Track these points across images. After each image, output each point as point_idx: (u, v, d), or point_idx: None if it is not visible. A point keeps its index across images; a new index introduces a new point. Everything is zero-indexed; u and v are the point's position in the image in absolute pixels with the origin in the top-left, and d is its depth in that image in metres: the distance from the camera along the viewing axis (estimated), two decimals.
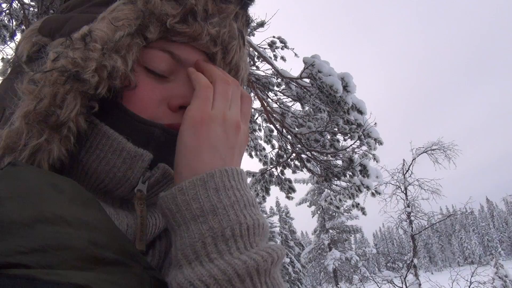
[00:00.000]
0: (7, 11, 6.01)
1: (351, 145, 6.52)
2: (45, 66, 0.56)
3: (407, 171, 17.70)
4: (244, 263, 0.48)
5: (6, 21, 6.18)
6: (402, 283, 13.25)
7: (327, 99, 5.65)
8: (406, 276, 13.52)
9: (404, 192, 17.88)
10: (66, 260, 0.37)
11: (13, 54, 0.68)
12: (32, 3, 5.67)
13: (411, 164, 17.66)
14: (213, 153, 0.57)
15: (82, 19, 0.63)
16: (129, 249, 0.46)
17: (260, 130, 8.34)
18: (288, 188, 7.89)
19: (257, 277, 0.48)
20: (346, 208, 25.89)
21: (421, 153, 17.76)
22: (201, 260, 0.49)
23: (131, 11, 0.61)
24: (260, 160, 8.38)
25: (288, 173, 7.87)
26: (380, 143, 6.54)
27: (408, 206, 17.59)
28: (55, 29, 0.64)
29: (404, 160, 18.01)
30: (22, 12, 5.75)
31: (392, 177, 17.88)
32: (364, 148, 6.65)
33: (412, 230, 17.06)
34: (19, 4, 5.74)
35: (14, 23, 6.22)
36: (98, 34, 0.58)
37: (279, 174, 7.83)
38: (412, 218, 17.46)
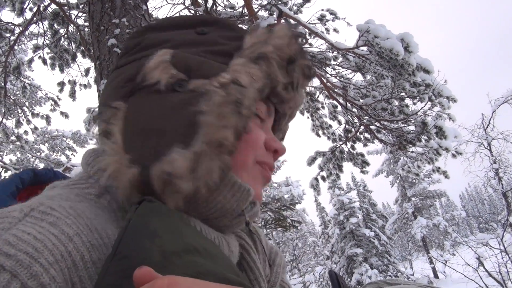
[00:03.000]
0: (65, 35, 6.35)
1: (422, 108, 6.17)
2: (216, 99, 0.63)
3: (488, 125, 16.52)
4: None
5: (66, 45, 6.54)
6: (500, 244, 12.44)
7: (388, 64, 5.37)
8: (503, 236, 12.68)
9: (488, 148, 16.74)
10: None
11: (142, 75, 0.72)
12: (86, 23, 5.93)
13: (491, 117, 16.46)
14: None
15: (216, 67, 0.69)
16: (239, 273, 0.50)
17: (323, 107, 8.17)
18: (362, 163, 7.66)
19: None
20: (426, 173, 25.00)
21: (501, 104, 16.45)
22: None
23: (259, 71, 0.68)
24: (328, 138, 8.21)
25: (359, 147, 7.66)
26: (454, 100, 6.15)
27: (495, 162, 16.47)
28: (192, 69, 0.69)
29: (483, 114, 16.83)
30: (78, 34, 6.04)
31: (473, 134, 16.83)
32: (437, 109, 6.29)
33: (502, 187, 15.97)
34: (74, 27, 6.03)
35: (74, 45, 6.56)
36: (243, 82, 0.66)
37: (350, 149, 7.62)
38: (501, 174, 16.33)
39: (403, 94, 6.11)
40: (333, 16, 6.73)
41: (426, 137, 6.37)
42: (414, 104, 6.37)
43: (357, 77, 6.98)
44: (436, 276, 24.91)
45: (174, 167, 0.58)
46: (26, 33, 7.46)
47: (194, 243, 0.47)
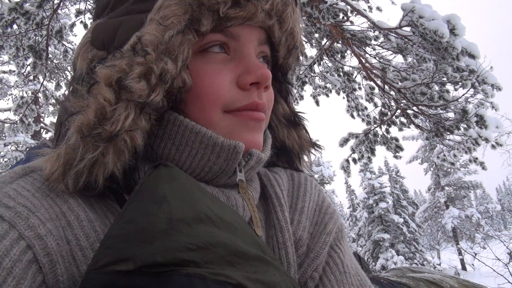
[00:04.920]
0: None
1: (463, 95, 5.93)
2: (92, 79, 0.57)
3: None
4: None
5: None
6: None
7: (432, 46, 5.16)
8: None
9: None
10: (222, 256, 0.41)
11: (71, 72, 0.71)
12: None
13: None
14: None
15: (131, 25, 0.62)
16: (262, 244, 0.49)
17: (360, 88, 7.99)
18: (395, 147, 7.48)
19: None
20: (463, 163, 24.30)
21: None
22: None
23: (178, 6, 0.58)
24: (362, 120, 8.06)
25: (394, 131, 7.46)
26: (499, 88, 5.87)
27: None
28: (108, 41, 0.64)
29: None
30: None
31: None
32: (480, 96, 6.03)
33: None
34: None
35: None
36: (148, 39, 0.57)
37: (384, 133, 7.45)
38: None
39: (444, 79, 5.89)
40: None
41: (465, 125, 6.15)
42: (456, 90, 6.13)
43: (397, 59, 6.77)
44: (464, 268, 24.48)
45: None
46: None
47: (208, 212, 0.45)
